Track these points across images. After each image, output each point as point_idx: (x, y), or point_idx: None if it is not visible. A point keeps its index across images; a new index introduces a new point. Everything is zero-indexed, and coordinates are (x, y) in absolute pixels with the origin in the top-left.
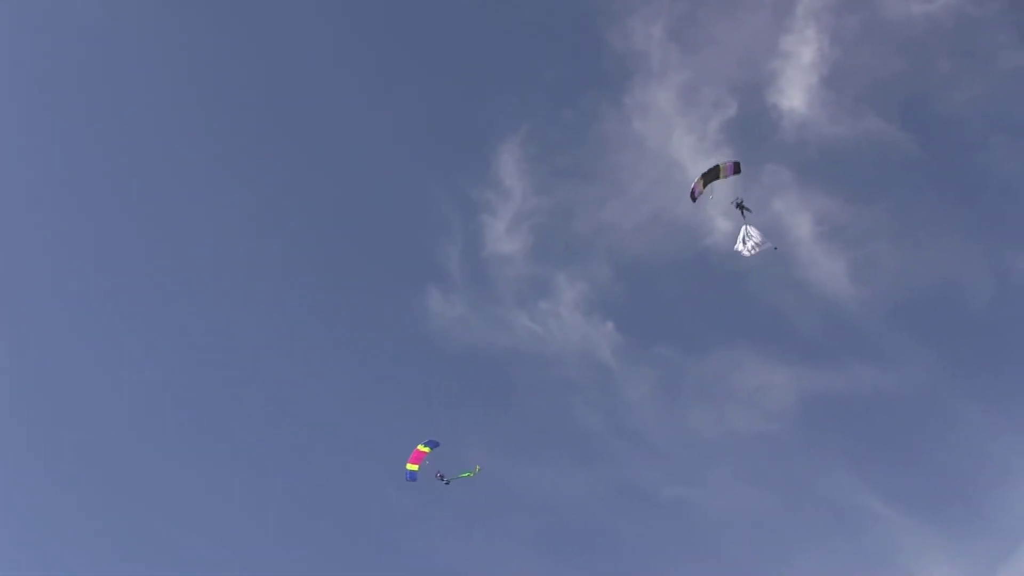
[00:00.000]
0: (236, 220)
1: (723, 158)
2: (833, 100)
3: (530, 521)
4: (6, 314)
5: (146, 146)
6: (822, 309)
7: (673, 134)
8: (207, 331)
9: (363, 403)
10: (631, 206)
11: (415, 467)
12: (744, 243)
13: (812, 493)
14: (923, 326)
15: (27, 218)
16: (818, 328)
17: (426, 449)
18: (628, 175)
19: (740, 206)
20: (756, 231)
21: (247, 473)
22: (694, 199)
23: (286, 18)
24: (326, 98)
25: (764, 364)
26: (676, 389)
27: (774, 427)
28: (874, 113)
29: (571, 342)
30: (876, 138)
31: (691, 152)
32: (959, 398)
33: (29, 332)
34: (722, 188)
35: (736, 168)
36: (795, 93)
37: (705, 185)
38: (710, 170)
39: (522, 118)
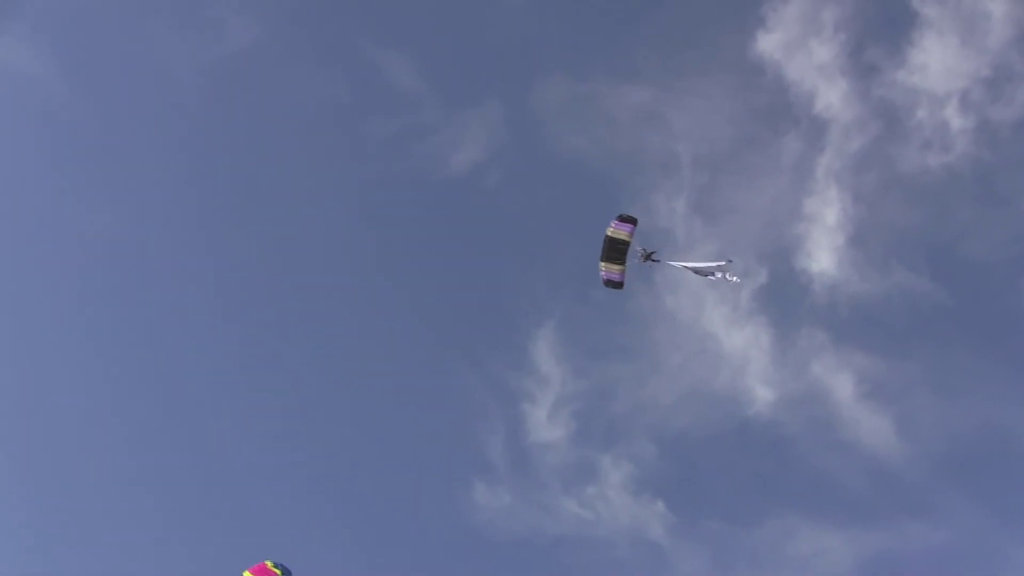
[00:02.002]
0: (268, 425)
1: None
2: (861, 258)
3: None
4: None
5: None
6: (869, 468)
7: (705, 307)
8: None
9: None
10: (669, 382)
11: None
12: (709, 275)
13: None
14: (971, 475)
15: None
16: (867, 488)
17: (277, 572)
18: (664, 351)
19: (648, 257)
20: (703, 266)
21: None
22: (618, 286)
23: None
24: (358, 292)
25: (816, 529)
26: (731, 563)
27: None
28: (902, 267)
29: (621, 524)
30: (906, 291)
31: (724, 323)
32: (1013, 544)
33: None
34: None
35: (625, 220)
36: (823, 255)
37: (617, 263)
38: (609, 246)
39: (554, 302)
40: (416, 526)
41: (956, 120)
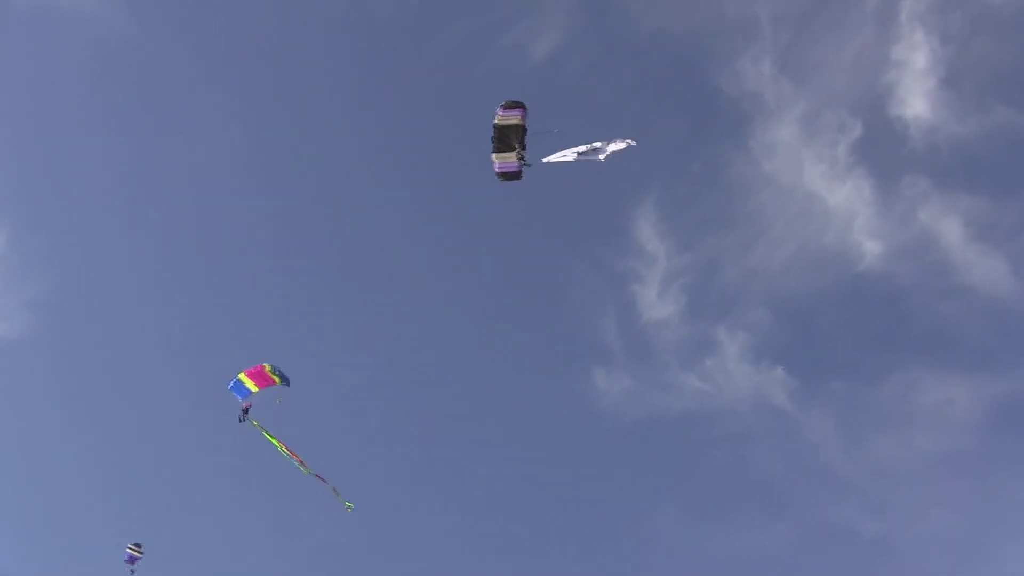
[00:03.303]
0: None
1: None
2: (956, 99)
3: None
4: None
5: None
6: (988, 311)
7: (803, 166)
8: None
9: (546, 494)
10: (776, 246)
11: (252, 386)
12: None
13: (1017, 503)
14: None
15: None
16: (987, 332)
17: (275, 378)
18: (766, 216)
19: (521, 159)
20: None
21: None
22: (514, 176)
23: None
24: (453, 194)
25: (941, 379)
26: (857, 421)
27: (964, 442)
28: (1000, 103)
29: (743, 394)
30: (1006, 127)
31: (825, 180)
32: None
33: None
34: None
35: (511, 106)
36: (916, 100)
37: (510, 152)
38: (498, 135)
39: (651, 179)
40: (542, 421)
41: None
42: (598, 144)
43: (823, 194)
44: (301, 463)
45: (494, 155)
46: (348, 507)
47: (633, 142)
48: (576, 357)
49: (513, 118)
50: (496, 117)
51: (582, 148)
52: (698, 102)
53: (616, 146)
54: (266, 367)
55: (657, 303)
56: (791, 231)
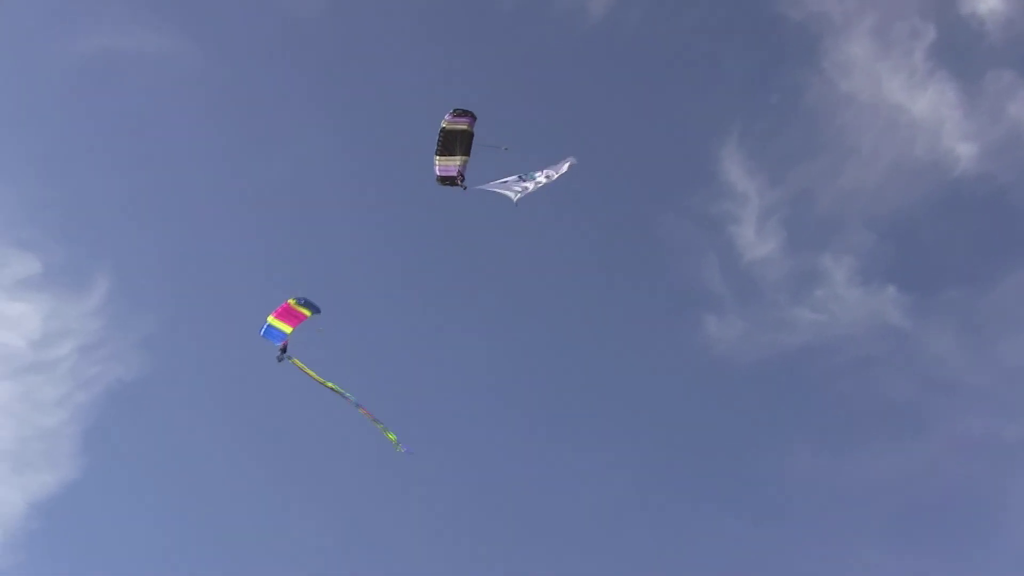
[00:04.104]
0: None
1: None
2: None
3: (879, 510)
4: None
5: None
6: None
7: (882, 80)
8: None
9: (676, 450)
10: (867, 165)
11: (286, 327)
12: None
13: None
14: None
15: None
16: None
17: (304, 311)
18: (852, 136)
19: (461, 178)
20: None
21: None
22: (453, 181)
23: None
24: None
25: None
26: (977, 327)
27: None
28: None
29: (858, 318)
30: None
31: (906, 90)
32: None
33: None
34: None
35: (461, 113)
36: None
37: (453, 156)
38: (444, 138)
39: (730, 120)
40: (660, 378)
41: None
42: (537, 174)
43: (906, 104)
44: (347, 397)
45: (436, 157)
46: (397, 446)
47: (574, 160)
48: (685, 309)
49: (461, 124)
50: (444, 122)
51: (520, 181)
52: (764, 34)
53: (553, 171)
54: (291, 302)
55: (757, 242)
56: (880, 147)
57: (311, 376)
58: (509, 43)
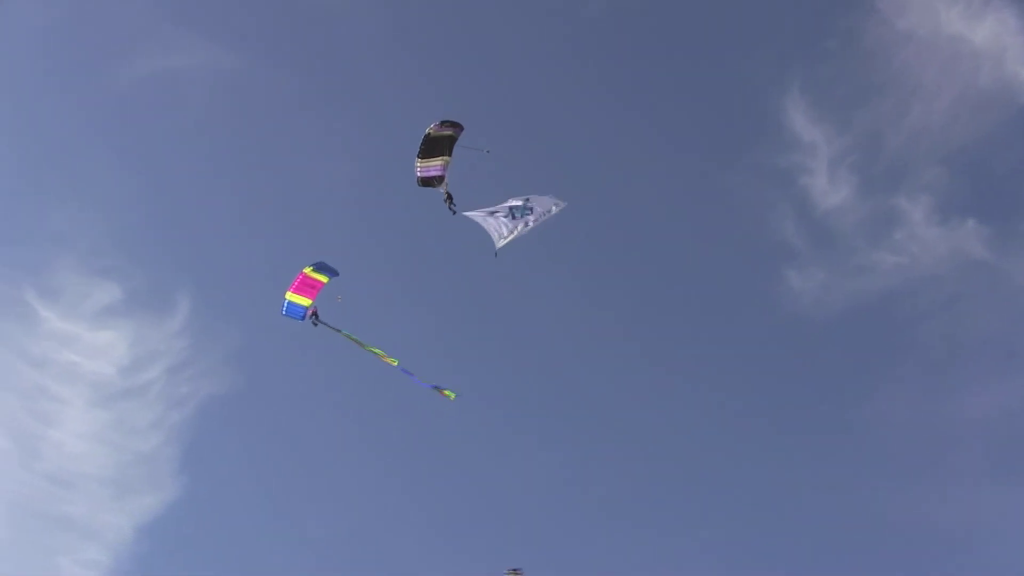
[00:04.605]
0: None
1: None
2: None
3: (984, 447)
4: None
5: None
6: None
7: (939, 13)
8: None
9: (768, 406)
10: (932, 101)
11: (305, 300)
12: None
13: None
14: None
15: None
16: None
17: (321, 277)
18: (915, 73)
19: (448, 199)
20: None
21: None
22: (433, 182)
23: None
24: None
25: None
26: None
27: None
28: None
29: (941, 257)
30: None
31: (965, 20)
32: None
33: None
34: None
35: (448, 124)
36: None
37: (436, 158)
38: (427, 143)
39: (790, 70)
40: (744, 335)
41: None
42: (529, 215)
43: (967, 35)
44: (385, 356)
45: (418, 160)
46: (449, 395)
47: (563, 203)
48: (763, 265)
49: (447, 130)
50: (429, 129)
51: (511, 220)
52: None
53: (542, 209)
54: (307, 271)
55: (830, 189)
56: (943, 82)
57: (350, 339)
58: None
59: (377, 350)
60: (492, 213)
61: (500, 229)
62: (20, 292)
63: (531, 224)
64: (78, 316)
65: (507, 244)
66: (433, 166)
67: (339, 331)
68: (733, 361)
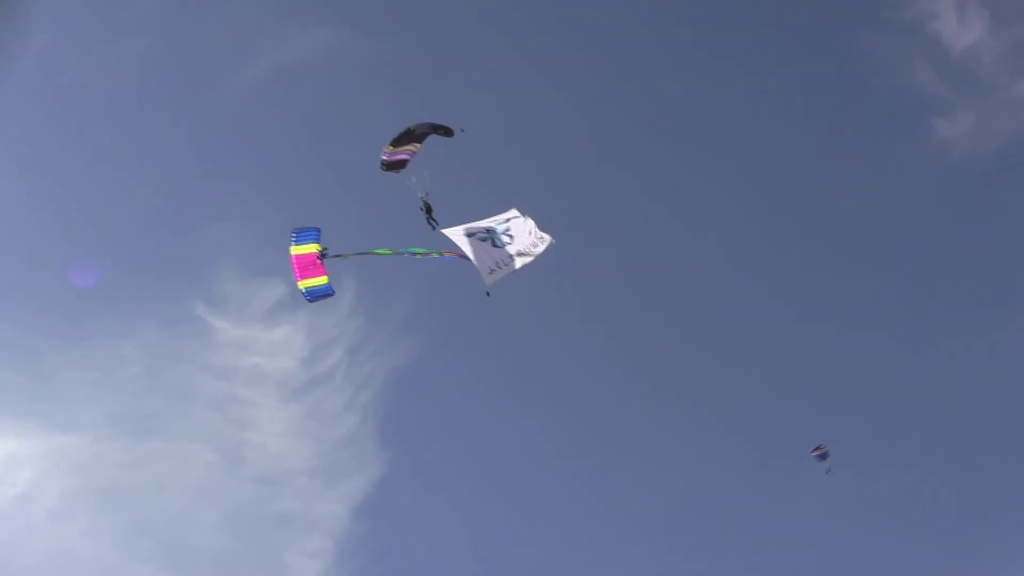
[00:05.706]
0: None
1: None
2: None
3: None
4: None
5: None
6: None
7: None
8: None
9: (955, 253)
10: None
11: (321, 280)
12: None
13: None
14: None
15: None
16: None
17: (308, 248)
18: None
19: (427, 210)
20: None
21: None
22: (396, 166)
23: None
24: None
25: None
26: None
27: None
28: None
29: None
30: None
31: None
32: None
33: None
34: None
35: (435, 130)
36: None
37: (405, 145)
38: (400, 135)
39: None
40: (906, 194)
41: None
42: (509, 246)
43: None
44: (419, 253)
45: (389, 146)
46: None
47: (550, 239)
48: (910, 122)
49: (428, 131)
50: (412, 124)
51: (492, 247)
52: None
53: (528, 242)
54: (294, 251)
55: (961, 31)
56: None
57: (372, 253)
58: None
59: (387, 250)
60: (470, 234)
61: (485, 260)
62: (190, 309)
63: (518, 265)
64: (250, 319)
65: (497, 282)
66: (403, 150)
67: (358, 253)
68: (898, 224)
